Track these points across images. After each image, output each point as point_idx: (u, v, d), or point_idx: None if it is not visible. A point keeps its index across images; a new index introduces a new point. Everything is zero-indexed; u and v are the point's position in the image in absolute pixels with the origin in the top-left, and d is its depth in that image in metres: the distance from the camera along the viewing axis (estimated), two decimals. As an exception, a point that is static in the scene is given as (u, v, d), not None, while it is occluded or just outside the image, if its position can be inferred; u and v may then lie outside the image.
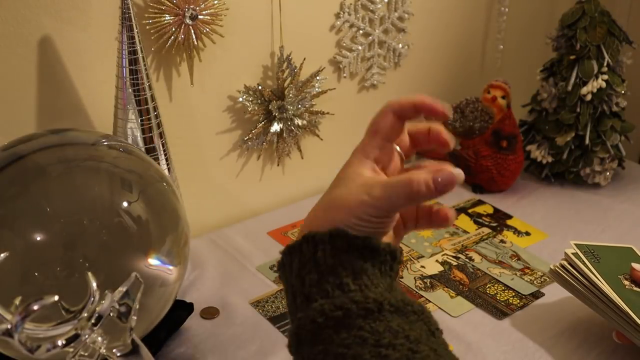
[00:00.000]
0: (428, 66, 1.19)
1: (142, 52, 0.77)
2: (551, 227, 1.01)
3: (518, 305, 0.84)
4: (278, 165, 1.07)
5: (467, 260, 0.93)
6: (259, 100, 0.98)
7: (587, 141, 1.08)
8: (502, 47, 1.26)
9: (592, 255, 0.78)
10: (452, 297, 0.86)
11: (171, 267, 0.68)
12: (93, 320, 0.53)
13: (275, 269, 0.91)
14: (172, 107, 0.92)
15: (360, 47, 1.07)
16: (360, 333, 0.47)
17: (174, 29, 0.85)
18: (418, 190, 0.50)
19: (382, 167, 0.56)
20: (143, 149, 0.80)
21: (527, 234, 1.00)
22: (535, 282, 0.88)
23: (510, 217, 1.04)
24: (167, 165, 0.84)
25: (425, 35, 1.15)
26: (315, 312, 0.49)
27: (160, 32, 0.85)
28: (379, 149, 0.55)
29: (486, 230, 1.01)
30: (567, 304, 0.83)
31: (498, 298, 0.85)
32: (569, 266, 0.77)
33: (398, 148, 0.57)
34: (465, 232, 1.00)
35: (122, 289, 0.55)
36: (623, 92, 1.08)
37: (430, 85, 1.22)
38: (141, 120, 0.79)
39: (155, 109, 0.81)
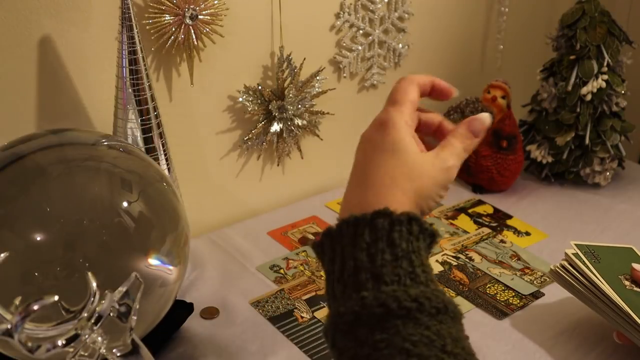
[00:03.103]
0: (428, 66, 1.19)
1: (142, 52, 0.77)
2: (551, 227, 1.01)
3: (518, 305, 0.84)
4: (278, 165, 1.07)
5: (467, 260, 0.93)
6: (259, 100, 0.98)
7: (587, 141, 1.08)
8: (502, 47, 1.26)
9: (593, 255, 0.78)
10: (452, 297, 0.86)
11: (171, 267, 0.68)
12: (93, 320, 0.53)
13: (275, 268, 0.91)
14: (172, 107, 0.92)
15: (360, 47, 1.07)
16: (427, 333, 0.46)
17: (174, 29, 0.85)
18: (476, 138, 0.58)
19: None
20: (143, 149, 0.80)
21: (527, 234, 1.00)
22: (535, 282, 0.88)
23: (510, 217, 1.04)
24: (167, 165, 0.84)
25: (425, 35, 1.15)
26: (388, 296, 0.47)
27: (160, 32, 0.85)
28: (413, 119, 0.57)
29: (486, 230, 1.01)
30: (567, 304, 0.83)
31: (498, 298, 0.85)
32: (569, 266, 0.77)
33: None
34: (465, 232, 1.00)
35: (122, 289, 0.55)
36: (623, 92, 1.08)
37: (430, 85, 1.22)
38: (141, 120, 0.79)
39: (155, 109, 0.81)
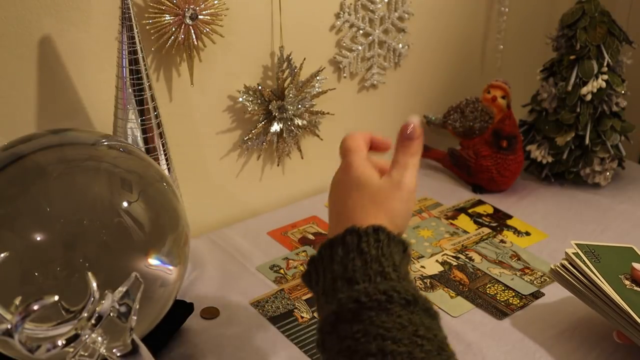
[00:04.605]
0: (428, 66, 1.19)
1: (142, 52, 0.77)
2: (551, 227, 1.01)
3: (518, 305, 0.84)
4: (278, 165, 1.07)
5: (467, 260, 0.93)
6: (259, 100, 0.98)
7: (587, 141, 1.08)
8: (502, 47, 1.26)
9: (593, 255, 0.78)
10: (452, 297, 0.86)
11: (171, 267, 0.68)
12: (93, 320, 0.53)
13: (275, 268, 0.91)
14: (172, 107, 0.92)
15: (360, 47, 1.07)
16: (400, 320, 0.51)
17: (174, 29, 0.85)
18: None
19: None
20: (143, 149, 0.80)
21: (527, 234, 1.00)
22: (535, 282, 0.88)
23: (510, 217, 1.04)
24: (167, 165, 0.84)
25: (425, 35, 1.15)
26: (359, 292, 0.52)
27: (160, 32, 0.85)
28: (367, 157, 0.64)
29: (486, 230, 1.01)
30: (567, 304, 0.83)
31: (498, 298, 0.85)
32: (569, 266, 0.77)
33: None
34: (465, 232, 1.00)
35: (122, 289, 0.55)
36: (623, 92, 1.08)
37: (430, 85, 1.22)
38: (141, 120, 0.79)
39: (155, 109, 0.81)
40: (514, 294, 0.86)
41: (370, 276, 0.54)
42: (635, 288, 0.75)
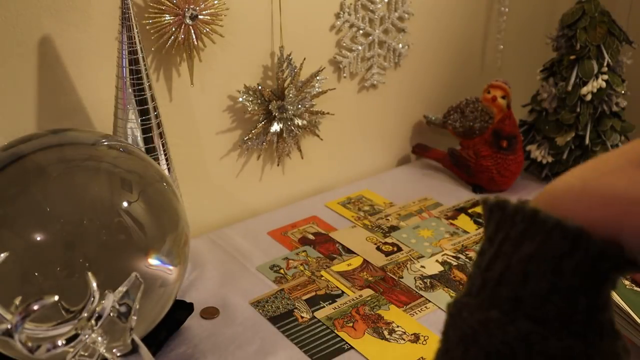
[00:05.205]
0: (428, 66, 1.19)
1: (142, 52, 0.77)
2: (551, 227, 1.01)
3: (518, 305, 0.84)
4: (278, 165, 1.07)
5: (467, 260, 0.93)
6: (259, 100, 0.98)
7: (587, 141, 1.08)
8: (502, 47, 1.26)
9: (592, 255, 0.78)
10: (452, 297, 0.85)
11: (171, 267, 0.68)
12: (93, 320, 0.53)
13: (275, 268, 0.91)
14: (172, 107, 0.92)
15: (360, 47, 1.07)
16: None
17: (174, 29, 0.85)
18: None
19: None
20: (143, 149, 0.80)
21: (527, 234, 1.00)
22: (535, 282, 0.88)
23: (510, 217, 1.04)
24: (167, 165, 0.84)
25: (425, 35, 1.15)
26: (518, 339, 0.35)
27: (160, 32, 0.85)
28: None
29: (486, 230, 1.01)
30: (567, 304, 0.83)
31: (498, 298, 0.85)
32: (569, 266, 0.77)
33: None
34: (465, 232, 1.00)
35: (122, 289, 0.55)
36: (623, 92, 1.08)
37: (431, 85, 1.22)
38: (141, 120, 0.79)
39: (155, 109, 0.81)
40: (514, 294, 0.86)
41: (548, 316, 0.35)
42: (635, 288, 0.75)
